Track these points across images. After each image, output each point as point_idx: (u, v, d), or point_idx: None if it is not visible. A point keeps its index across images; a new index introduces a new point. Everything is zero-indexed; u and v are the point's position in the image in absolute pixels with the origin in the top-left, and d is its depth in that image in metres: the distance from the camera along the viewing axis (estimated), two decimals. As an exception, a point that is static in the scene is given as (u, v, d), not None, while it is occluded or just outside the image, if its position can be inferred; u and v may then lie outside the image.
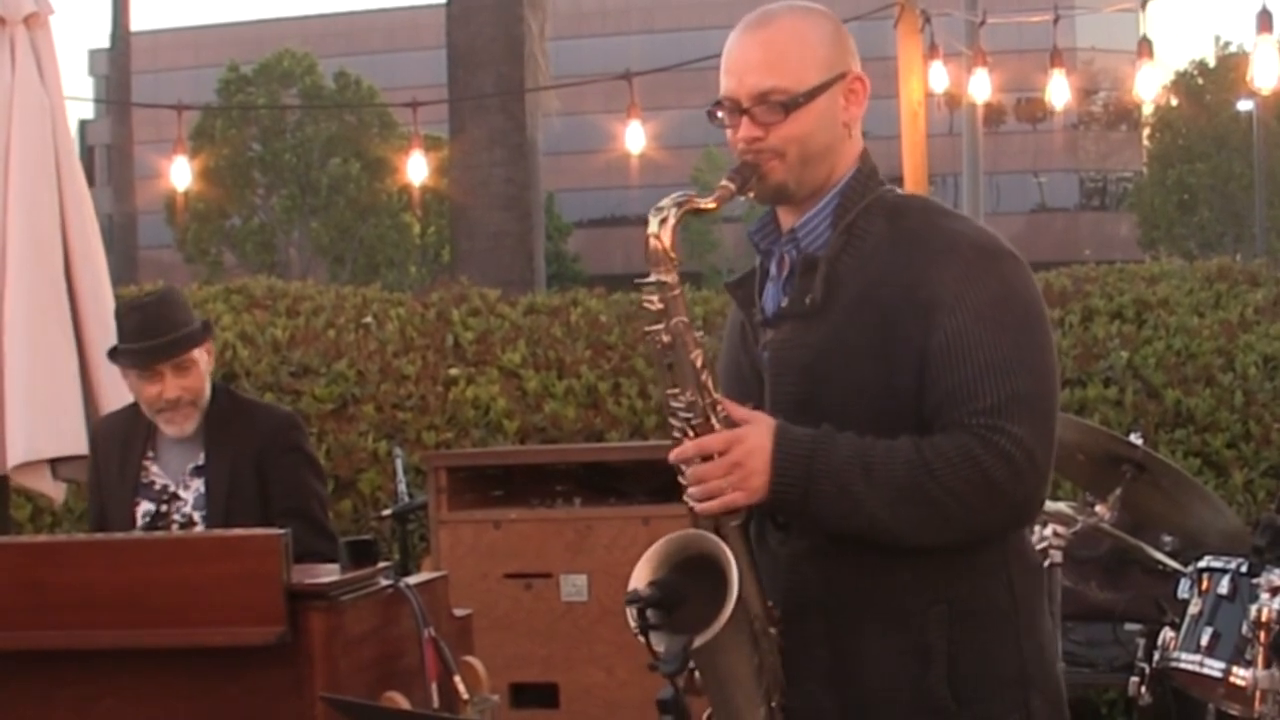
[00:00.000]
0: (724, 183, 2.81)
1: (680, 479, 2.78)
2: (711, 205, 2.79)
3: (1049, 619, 2.94)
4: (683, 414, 2.74)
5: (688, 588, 2.70)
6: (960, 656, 2.75)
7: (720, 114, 2.86)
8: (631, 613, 2.66)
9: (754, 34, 2.86)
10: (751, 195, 2.87)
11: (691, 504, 2.78)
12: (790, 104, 2.80)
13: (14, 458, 5.46)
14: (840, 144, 2.87)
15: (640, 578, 2.73)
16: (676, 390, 2.74)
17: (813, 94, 2.82)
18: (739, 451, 2.70)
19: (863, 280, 2.77)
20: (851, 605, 2.78)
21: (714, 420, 2.73)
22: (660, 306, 2.73)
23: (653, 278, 2.74)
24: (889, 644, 2.76)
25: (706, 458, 2.72)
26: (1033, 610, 2.86)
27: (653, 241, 2.73)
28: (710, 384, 2.73)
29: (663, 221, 2.73)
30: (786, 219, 2.92)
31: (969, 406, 2.69)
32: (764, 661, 2.80)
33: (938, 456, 2.67)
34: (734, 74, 2.84)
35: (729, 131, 2.86)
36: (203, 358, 4.71)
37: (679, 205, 2.76)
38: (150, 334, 4.66)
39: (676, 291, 2.74)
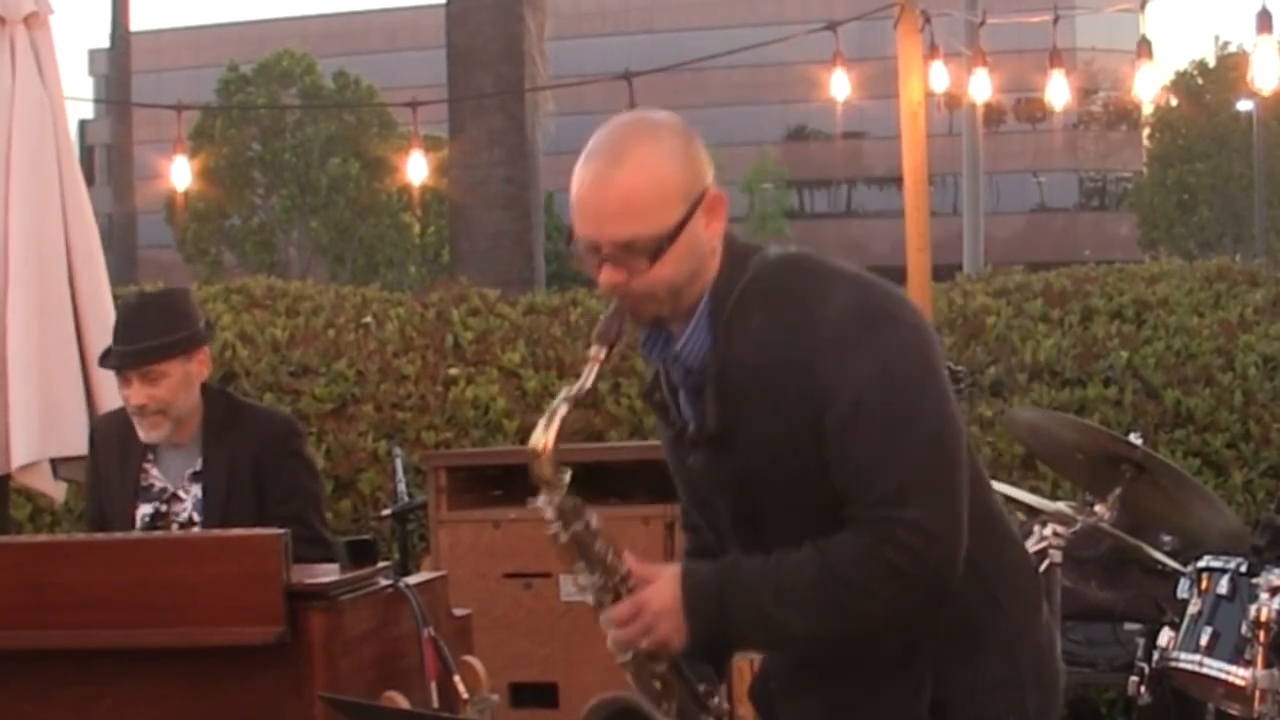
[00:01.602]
0: (593, 353, 2.75)
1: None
2: (591, 384, 2.75)
3: (1046, 619, 2.95)
4: (595, 593, 2.78)
5: None
6: (951, 678, 2.78)
7: (578, 245, 2.74)
8: None
9: (606, 175, 2.69)
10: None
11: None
12: (655, 251, 2.69)
13: (18, 458, 5.46)
14: (708, 262, 2.76)
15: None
16: (585, 572, 2.77)
17: (676, 233, 2.70)
18: (647, 617, 2.74)
19: (753, 391, 2.71)
20: (840, 656, 2.81)
21: (623, 594, 2.76)
22: (557, 519, 2.74)
23: (542, 502, 2.74)
24: (880, 685, 2.80)
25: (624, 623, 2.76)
26: (1026, 614, 2.88)
27: (534, 465, 2.72)
28: (617, 561, 2.75)
29: (547, 428, 2.72)
30: (673, 325, 2.84)
31: (864, 499, 2.67)
32: None
33: (842, 562, 2.66)
34: (589, 219, 2.70)
35: (591, 268, 2.75)
36: (178, 369, 4.62)
37: (566, 401, 2.74)
38: (123, 339, 4.65)
39: (572, 504, 2.74)
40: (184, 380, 4.65)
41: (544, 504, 2.74)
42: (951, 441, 2.71)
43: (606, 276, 2.72)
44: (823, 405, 2.66)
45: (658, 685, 2.81)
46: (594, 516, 2.76)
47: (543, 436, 2.71)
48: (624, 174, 2.69)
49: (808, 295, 2.72)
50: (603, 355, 2.74)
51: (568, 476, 2.73)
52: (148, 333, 4.62)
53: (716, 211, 2.76)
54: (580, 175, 2.72)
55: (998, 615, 2.82)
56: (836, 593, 2.66)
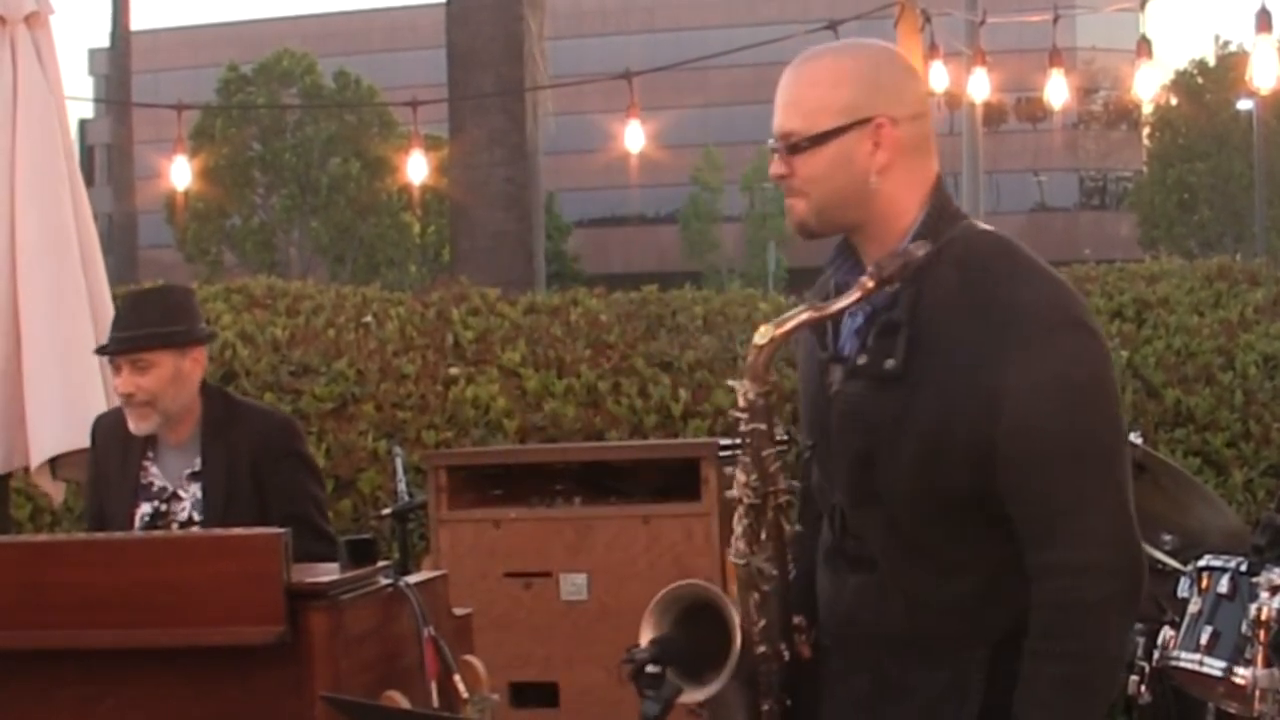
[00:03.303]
0: (863, 281, 2.77)
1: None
2: (844, 306, 2.78)
3: None
4: (746, 494, 2.81)
5: (698, 632, 2.77)
6: (995, 690, 2.80)
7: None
8: (628, 668, 2.74)
9: (790, 72, 2.85)
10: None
11: None
12: (793, 148, 2.80)
13: (39, 454, 5.46)
14: (866, 192, 2.81)
15: (649, 626, 2.79)
16: (747, 471, 2.80)
17: (819, 139, 2.78)
18: None
19: (935, 349, 2.74)
20: (900, 642, 2.83)
21: (768, 508, 2.79)
22: (745, 410, 2.79)
23: (741, 387, 2.79)
24: (929, 680, 2.81)
25: None
26: None
27: (753, 355, 2.78)
28: (776, 477, 2.80)
29: (778, 325, 2.76)
30: (862, 258, 2.87)
31: (1039, 537, 2.71)
32: (763, 689, 2.86)
33: (1057, 637, 2.71)
34: (774, 112, 2.85)
35: None
36: (168, 362, 4.62)
37: (809, 312, 2.78)
38: (118, 326, 4.70)
39: (764, 406, 2.79)
40: (174, 374, 4.64)
41: (741, 391, 2.78)
42: (1120, 452, 2.77)
43: (773, 166, 2.84)
44: (998, 399, 2.69)
45: (756, 598, 2.82)
46: (778, 429, 2.82)
47: (771, 331, 2.76)
48: (799, 72, 2.85)
49: (1004, 277, 2.76)
50: (871, 286, 2.75)
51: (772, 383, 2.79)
52: (142, 322, 4.65)
53: (887, 141, 2.80)
54: None
55: None
56: (1087, 673, 2.72)
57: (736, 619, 2.75)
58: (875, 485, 2.79)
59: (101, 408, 5.34)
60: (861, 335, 2.83)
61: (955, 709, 2.79)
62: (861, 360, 2.80)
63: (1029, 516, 2.72)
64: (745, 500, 2.80)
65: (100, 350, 4.80)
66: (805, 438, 2.98)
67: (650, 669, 2.73)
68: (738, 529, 2.82)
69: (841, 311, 2.78)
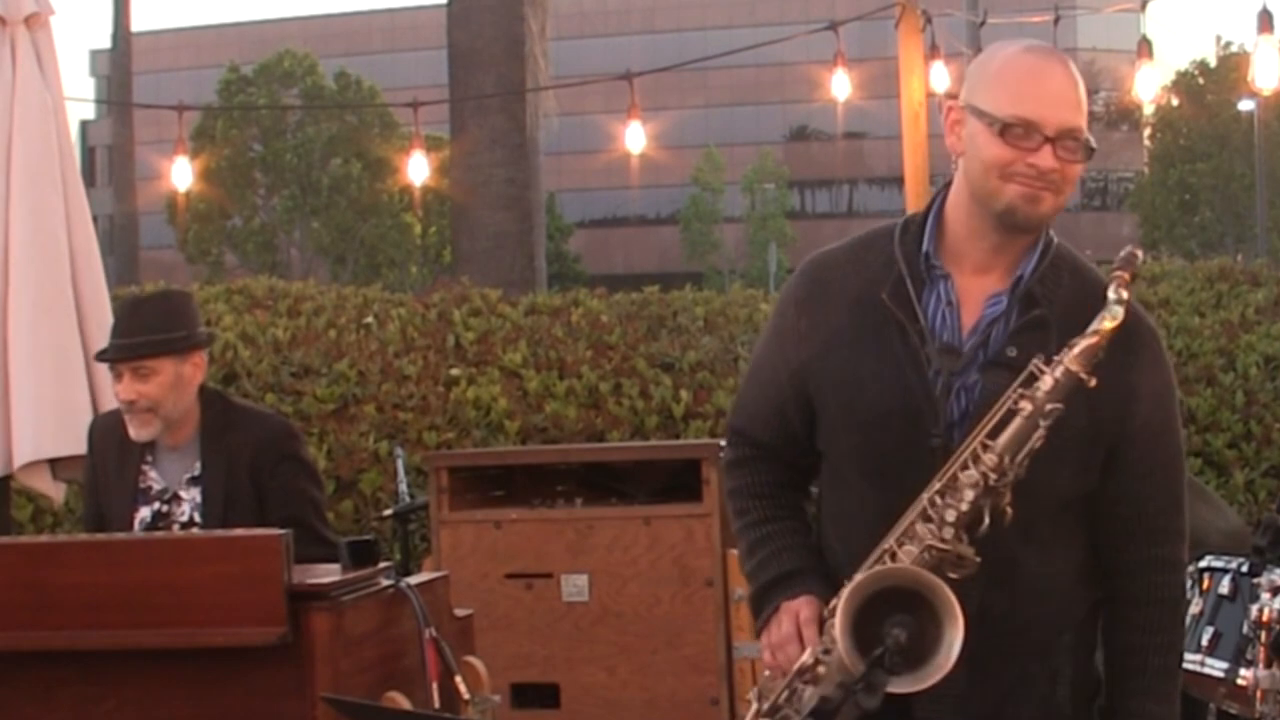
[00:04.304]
0: (1119, 271, 2.81)
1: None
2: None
3: None
4: (986, 468, 2.75)
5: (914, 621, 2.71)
6: (1082, 671, 2.93)
7: (1003, 131, 2.81)
8: (892, 645, 2.64)
9: (1065, 69, 2.85)
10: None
11: None
12: (1089, 149, 2.84)
13: (21, 457, 5.46)
14: None
15: (849, 610, 2.70)
16: (995, 447, 2.74)
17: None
18: None
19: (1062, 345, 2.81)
20: (993, 632, 2.84)
21: (1005, 494, 2.76)
22: (1046, 394, 2.74)
23: (1059, 369, 2.75)
24: (1023, 663, 2.89)
25: None
26: None
27: (1098, 339, 2.77)
28: (1024, 468, 2.75)
29: (1103, 320, 2.77)
30: (976, 249, 2.91)
31: (1141, 529, 2.89)
32: None
33: (1160, 630, 2.93)
34: (1047, 103, 2.81)
35: (1000, 149, 2.82)
36: (169, 368, 4.62)
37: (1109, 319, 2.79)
38: (118, 333, 4.68)
39: (1069, 386, 2.75)
40: (175, 380, 4.64)
41: (1062, 367, 2.74)
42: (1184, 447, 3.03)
43: (1048, 160, 2.81)
44: (1127, 399, 2.83)
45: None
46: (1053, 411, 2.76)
47: (1110, 321, 2.75)
48: (1070, 73, 2.86)
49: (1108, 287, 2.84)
50: (1127, 278, 2.81)
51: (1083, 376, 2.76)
52: (143, 329, 4.63)
53: None
54: (1029, 61, 2.85)
55: None
56: (1173, 664, 2.98)
57: (958, 608, 2.67)
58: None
59: (87, 413, 5.34)
60: (989, 329, 2.86)
61: (1048, 690, 2.89)
62: (1011, 353, 2.83)
63: (1139, 513, 2.88)
64: (985, 483, 2.74)
65: (100, 357, 4.79)
66: (859, 424, 2.90)
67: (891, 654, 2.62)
68: (949, 513, 2.75)
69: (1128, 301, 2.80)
